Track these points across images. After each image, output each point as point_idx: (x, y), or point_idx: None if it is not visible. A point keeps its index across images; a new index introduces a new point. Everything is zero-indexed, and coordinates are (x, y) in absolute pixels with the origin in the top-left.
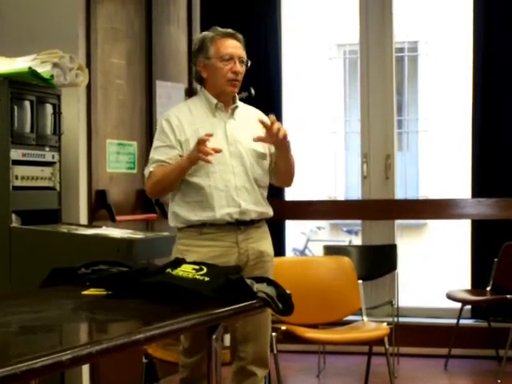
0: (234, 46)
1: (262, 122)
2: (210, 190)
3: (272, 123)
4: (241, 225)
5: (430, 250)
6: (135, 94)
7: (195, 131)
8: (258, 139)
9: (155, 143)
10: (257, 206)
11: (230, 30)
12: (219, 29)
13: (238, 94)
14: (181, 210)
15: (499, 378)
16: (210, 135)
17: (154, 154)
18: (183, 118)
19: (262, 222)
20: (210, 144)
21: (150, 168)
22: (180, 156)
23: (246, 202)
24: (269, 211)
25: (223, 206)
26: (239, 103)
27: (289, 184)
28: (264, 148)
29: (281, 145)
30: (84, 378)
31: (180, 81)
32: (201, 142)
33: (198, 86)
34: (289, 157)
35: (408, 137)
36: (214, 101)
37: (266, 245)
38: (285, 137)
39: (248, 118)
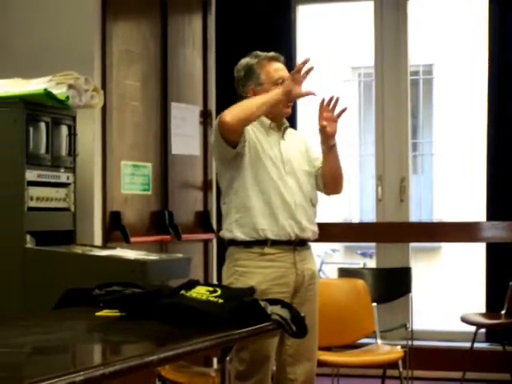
0: (281, 69)
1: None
2: (276, 198)
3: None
4: (297, 245)
5: (445, 273)
6: (150, 115)
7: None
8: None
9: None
10: (312, 225)
11: (273, 54)
12: (261, 53)
13: None
14: (243, 217)
15: None
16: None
17: None
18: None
19: (309, 244)
20: (270, 159)
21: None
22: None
23: (304, 220)
24: (317, 231)
25: (286, 218)
26: (287, 123)
27: (339, 190)
28: (310, 166)
29: (331, 136)
30: None
31: (195, 103)
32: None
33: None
34: (338, 156)
35: (423, 159)
36: (268, 121)
37: (315, 266)
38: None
39: (295, 138)
